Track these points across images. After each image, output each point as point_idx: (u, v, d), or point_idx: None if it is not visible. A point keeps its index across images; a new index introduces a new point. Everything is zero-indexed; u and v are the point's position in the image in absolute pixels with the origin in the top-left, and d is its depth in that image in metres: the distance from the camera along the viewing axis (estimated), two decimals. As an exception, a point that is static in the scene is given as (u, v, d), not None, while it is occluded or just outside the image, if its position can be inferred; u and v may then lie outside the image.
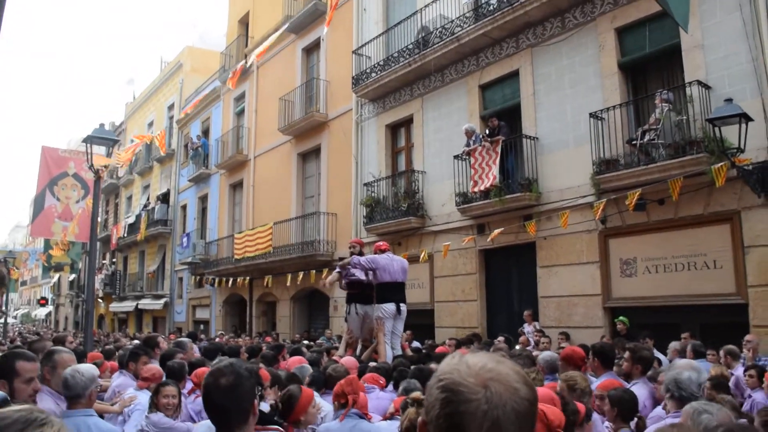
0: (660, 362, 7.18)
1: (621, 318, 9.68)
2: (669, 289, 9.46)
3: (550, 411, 2.64)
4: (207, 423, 3.40)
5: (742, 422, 2.97)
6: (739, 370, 6.57)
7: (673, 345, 8.13)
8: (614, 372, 5.04)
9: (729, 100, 8.18)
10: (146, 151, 31.57)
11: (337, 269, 8.91)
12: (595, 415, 3.99)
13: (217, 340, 15.22)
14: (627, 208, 9.58)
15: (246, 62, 19.64)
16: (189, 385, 5.53)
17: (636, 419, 3.80)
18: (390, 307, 7.99)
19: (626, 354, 4.85)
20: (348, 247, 9.01)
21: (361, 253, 8.70)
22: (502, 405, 1.06)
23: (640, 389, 4.52)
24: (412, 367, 5.63)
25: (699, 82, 8.97)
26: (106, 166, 12.19)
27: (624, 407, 3.79)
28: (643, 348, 5.02)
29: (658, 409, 3.93)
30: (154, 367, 5.62)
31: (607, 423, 3.95)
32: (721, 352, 7.26)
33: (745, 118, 8.00)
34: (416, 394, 3.50)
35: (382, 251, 8.36)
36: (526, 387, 1.11)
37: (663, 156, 9.17)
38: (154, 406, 4.60)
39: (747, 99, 8.53)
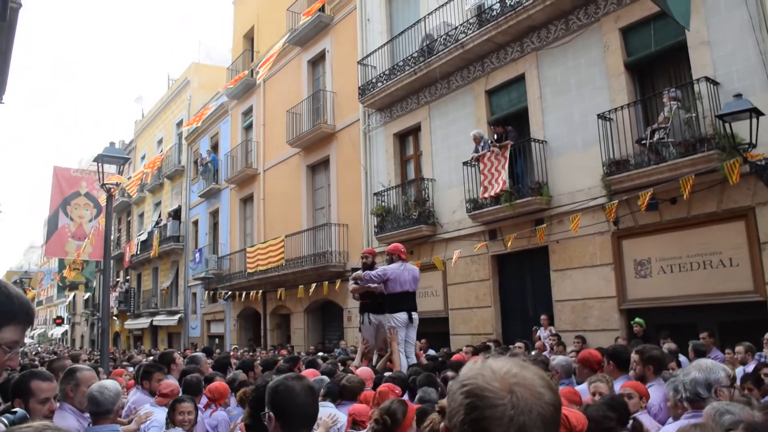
0: (679, 363, 7.09)
1: (637, 320, 9.60)
2: (685, 288, 9.36)
3: (573, 415, 2.59)
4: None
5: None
6: (749, 368, 6.49)
7: (666, 347, 8.05)
8: (630, 375, 4.97)
9: (738, 96, 8.11)
10: (156, 169, 31.74)
11: (352, 280, 8.90)
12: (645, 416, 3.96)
13: (231, 353, 15.22)
14: (639, 209, 9.51)
15: (251, 74, 19.73)
16: (204, 399, 5.52)
17: (632, 420, 3.74)
18: (402, 316, 7.97)
19: (636, 357, 4.76)
20: (360, 258, 8.99)
21: (373, 263, 8.69)
22: (528, 410, 1.05)
23: (655, 391, 4.44)
24: (420, 375, 5.61)
25: (707, 79, 8.90)
26: (117, 184, 12.24)
27: (619, 415, 3.72)
28: (653, 348, 4.93)
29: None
30: (173, 383, 5.62)
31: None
32: (740, 348, 7.18)
33: (755, 112, 7.93)
34: (443, 402, 3.46)
35: (399, 257, 8.31)
36: (551, 392, 1.10)
37: (673, 154, 9.10)
38: (171, 422, 4.60)
39: (756, 93, 8.45)
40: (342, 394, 5.12)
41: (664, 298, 9.68)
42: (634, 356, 4.84)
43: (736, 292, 8.78)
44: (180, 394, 5.16)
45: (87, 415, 3.82)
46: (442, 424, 1.18)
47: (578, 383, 5.08)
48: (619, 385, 4.55)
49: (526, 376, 1.09)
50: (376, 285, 8.25)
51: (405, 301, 8.10)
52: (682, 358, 7.81)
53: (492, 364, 1.13)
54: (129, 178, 20.38)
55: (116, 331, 36.88)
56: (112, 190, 11.80)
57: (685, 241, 9.43)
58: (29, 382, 3.38)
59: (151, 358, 11.74)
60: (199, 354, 8.50)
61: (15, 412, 2.65)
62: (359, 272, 8.46)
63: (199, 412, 5.21)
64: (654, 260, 9.84)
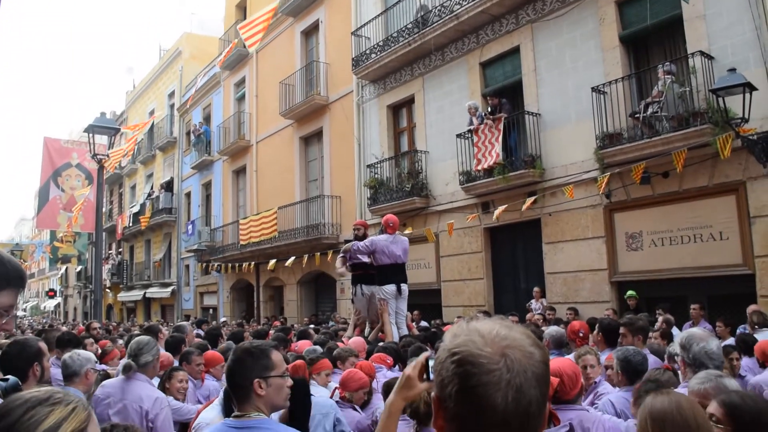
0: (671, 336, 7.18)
1: (630, 293, 9.68)
2: (675, 261, 9.45)
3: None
4: (216, 403, 3.45)
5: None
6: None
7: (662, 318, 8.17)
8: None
9: (732, 70, 8.09)
10: (148, 140, 31.56)
11: (341, 254, 8.92)
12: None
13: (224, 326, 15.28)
14: (631, 182, 9.55)
15: (244, 44, 19.46)
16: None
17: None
18: (390, 288, 8.02)
19: (623, 329, 4.84)
20: (352, 230, 9.00)
21: (365, 235, 8.71)
22: (523, 371, 1.05)
23: None
24: (412, 346, 5.66)
25: (702, 53, 8.88)
26: (108, 156, 12.17)
27: None
28: (638, 319, 5.03)
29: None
30: (166, 353, 5.67)
31: None
32: (660, 319, 7.35)
33: (749, 87, 7.92)
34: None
35: (392, 229, 8.31)
36: (540, 349, 1.11)
37: (666, 128, 9.11)
38: (164, 389, 4.64)
39: (751, 68, 8.44)
40: (335, 364, 5.16)
41: (654, 271, 9.76)
42: (622, 329, 4.91)
43: (726, 266, 8.87)
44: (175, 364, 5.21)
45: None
46: (433, 394, 1.16)
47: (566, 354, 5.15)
48: (604, 357, 4.63)
49: (516, 337, 1.10)
50: (365, 256, 8.28)
51: (393, 273, 8.14)
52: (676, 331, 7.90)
53: (478, 327, 1.12)
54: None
55: (109, 304, 36.94)
56: (104, 161, 11.74)
57: (677, 215, 9.49)
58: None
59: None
60: (184, 323, 8.64)
61: (7, 379, 2.66)
62: (348, 245, 8.49)
63: (191, 385, 5.26)
64: (645, 233, 9.90)
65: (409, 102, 15.00)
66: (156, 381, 4.88)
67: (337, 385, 4.51)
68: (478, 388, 1.05)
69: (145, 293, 31.09)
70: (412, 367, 1.82)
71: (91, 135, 11.34)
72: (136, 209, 32.03)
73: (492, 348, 1.07)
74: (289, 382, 2.58)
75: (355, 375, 4.40)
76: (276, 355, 2.53)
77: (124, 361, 4.23)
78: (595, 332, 5.12)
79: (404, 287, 8.23)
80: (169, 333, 7.34)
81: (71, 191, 24.28)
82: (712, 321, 8.21)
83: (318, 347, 6.02)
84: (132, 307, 34.58)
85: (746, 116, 7.95)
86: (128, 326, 19.70)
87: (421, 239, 13.05)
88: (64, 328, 12.88)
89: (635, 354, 4.00)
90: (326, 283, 18.13)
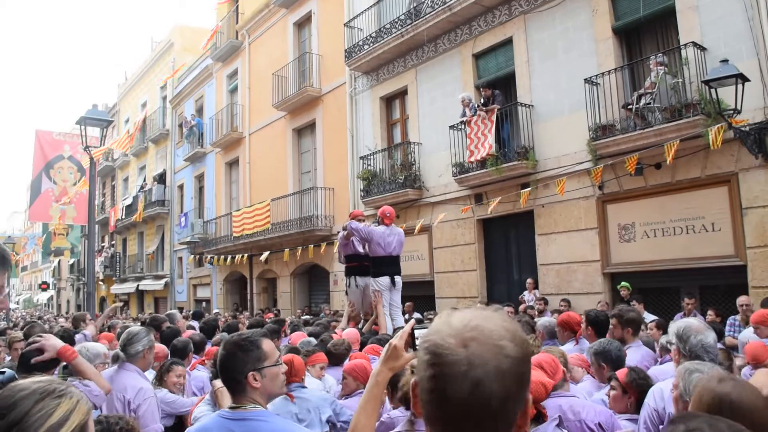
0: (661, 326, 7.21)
1: (623, 284, 9.72)
2: (668, 252, 9.48)
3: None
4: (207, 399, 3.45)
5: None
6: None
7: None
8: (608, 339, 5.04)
9: (725, 61, 8.10)
10: (140, 132, 31.39)
11: (342, 232, 8.79)
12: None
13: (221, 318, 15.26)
14: (624, 174, 9.57)
15: (236, 36, 19.41)
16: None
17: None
18: (384, 280, 8.00)
19: (614, 321, 4.84)
20: (358, 220, 8.80)
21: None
22: (483, 364, 1.01)
23: (634, 352, 4.54)
24: None
25: (694, 44, 8.90)
26: (98, 148, 12.10)
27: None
28: (629, 310, 5.02)
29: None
30: (161, 345, 5.66)
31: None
32: (652, 324, 7.27)
33: (741, 78, 7.94)
34: (413, 361, 3.50)
35: (389, 219, 8.24)
36: (513, 343, 1.05)
37: (659, 120, 9.13)
38: (161, 382, 4.64)
39: (743, 59, 8.46)
40: (328, 359, 5.14)
41: (647, 262, 9.80)
42: (612, 320, 4.92)
43: (718, 257, 8.91)
44: (170, 357, 5.20)
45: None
46: (412, 379, 1.17)
47: (560, 344, 5.17)
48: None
49: (489, 329, 1.06)
50: (359, 244, 8.25)
51: (387, 265, 8.11)
52: (649, 317, 7.96)
53: (453, 318, 1.10)
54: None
55: (102, 296, 36.82)
56: (95, 152, 11.68)
57: (669, 206, 9.52)
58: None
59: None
60: (174, 311, 8.66)
61: (3, 372, 2.66)
62: (346, 224, 8.36)
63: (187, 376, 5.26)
64: (638, 225, 9.94)
65: (402, 93, 14.97)
66: (151, 373, 4.90)
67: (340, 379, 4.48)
68: (439, 378, 1.04)
69: (138, 286, 31.01)
70: (399, 337, 1.84)
71: (83, 127, 11.28)
72: (128, 202, 31.89)
73: (455, 339, 1.05)
74: (284, 368, 2.57)
75: (358, 366, 4.36)
76: (267, 344, 2.48)
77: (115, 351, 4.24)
78: (584, 325, 5.13)
79: (398, 279, 8.22)
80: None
81: (63, 183, 24.15)
82: (704, 312, 8.27)
83: (312, 339, 6.02)
84: (125, 299, 34.50)
85: (738, 107, 7.98)
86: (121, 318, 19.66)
87: (414, 230, 13.05)
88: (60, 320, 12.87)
89: (609, 343, 4.06)
90: (319, 275, 18.13)
